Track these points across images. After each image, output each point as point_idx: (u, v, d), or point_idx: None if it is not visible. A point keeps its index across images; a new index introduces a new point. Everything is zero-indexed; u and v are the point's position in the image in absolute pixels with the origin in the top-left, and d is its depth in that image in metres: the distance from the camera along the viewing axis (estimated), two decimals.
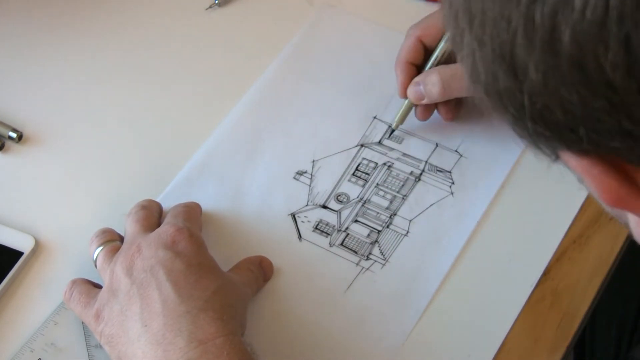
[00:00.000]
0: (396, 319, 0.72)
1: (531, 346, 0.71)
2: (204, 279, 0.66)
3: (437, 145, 0.82)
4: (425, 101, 0.79)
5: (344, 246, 0.76)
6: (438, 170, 0.80)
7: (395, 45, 0.86)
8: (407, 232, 0.77)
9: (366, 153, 0.82)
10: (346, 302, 0.73)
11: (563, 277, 0.74)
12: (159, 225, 0.72)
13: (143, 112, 0.85)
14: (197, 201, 0.77)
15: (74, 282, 0.71)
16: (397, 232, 0.77)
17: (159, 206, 0.76)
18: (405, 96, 0.80)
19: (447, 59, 0.79)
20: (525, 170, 0.80)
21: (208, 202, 0.78)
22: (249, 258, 0.74)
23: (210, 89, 0.87)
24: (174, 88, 0.87)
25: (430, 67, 0.79)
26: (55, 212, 0.79)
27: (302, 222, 0.78)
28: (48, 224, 0.78)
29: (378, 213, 0.78)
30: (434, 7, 0.89)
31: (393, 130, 0.82)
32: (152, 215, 0.73)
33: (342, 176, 0.80)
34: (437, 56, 0.79)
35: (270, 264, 0.74)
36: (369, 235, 0.77)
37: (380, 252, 0.76)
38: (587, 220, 0.77)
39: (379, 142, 0.82)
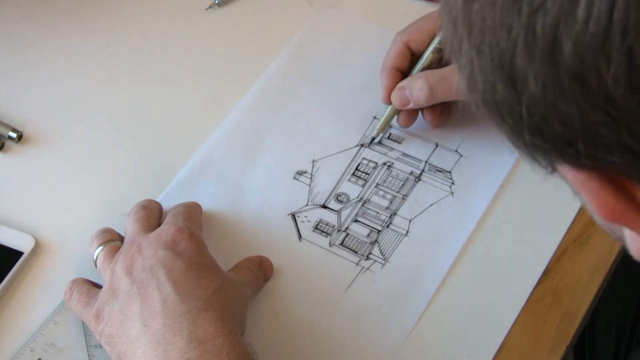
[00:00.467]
0: (396, 318, 0.72)
1: (531, 346, 0.71)
2: (204, 278, 0.66)
3: (437, 145, 0.82)
4: (410, 106, 0.79)
5: (344, 246, 0.76)
6: (438, 170, 0.80)
7: None
8: (407, 232, 0.77)
9: (366, 153, 0.82)
10: (346, 301, 0.73)
11: (563, 276, 0.74)
12: (159, 225, 0.72)
13: (143, 112, 0.85)
14: (197, 201, 0.77)
15: (74, 282, 0.71)
16: (397, 232, 0.77)
17: (159, 206, 0.76)
18: (389, 102, 0.80)
19: (435, 65, 0.79)
20: (525, 170, 0.80)
21: (208, 202, 0.78)
22: (249, 258, 0.74)
23: (210, 89, 0.87)
24: (174, 88, 0.87)
25: (417, 72, 0.79)
26: (55, 212, 0.79)
27: (302, 222, 0.78)
28: (48, 224, 0.78)
29: (378, 213, 0.78)
30: (434, 7, 0.89)
31: (373, 139, 0.82)
32: (152, 215, 0.73)
33: (342, 176, 0.80)
34: (424, 61, 0.79)
35: (270, 264, 0.74)
36: (368, 235, 0.77)
37: (380, 252, 0.76)
38: (587, 220, 0.77)
39: (379, 142, 0.82)
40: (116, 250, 0.70)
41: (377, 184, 0.80)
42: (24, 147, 0.83)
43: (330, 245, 0.76)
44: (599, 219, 0.42)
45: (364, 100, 0.85)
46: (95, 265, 0.71)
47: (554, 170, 0.41)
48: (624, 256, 0.77)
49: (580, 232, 0.76)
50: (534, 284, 0.74)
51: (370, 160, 0.81)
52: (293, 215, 0.78)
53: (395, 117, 0.81)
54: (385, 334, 0.72)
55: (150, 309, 0.64)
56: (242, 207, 0.79)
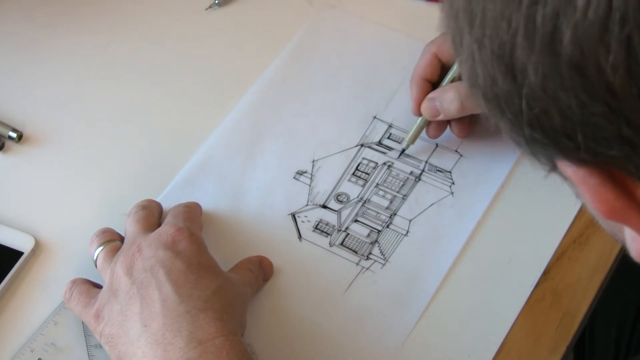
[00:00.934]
0: (396, 318, 0.72)
1: (531, 346, 0.71)
2: (204, 278, 0.66)
3: (437, 145, 0.82)
4: (440, 117, 0.78)
5: (344, 246, 0.76)
6: (438, 170, 0.80)
7: (395, 45, 0.86)
8: (407, 232, 0.77)
9: (366, 153, 0.82)
10: (346, 301, 0.73)
11: (563, 276, 0.74)
12: (159, 225, 0.72)
13: (143, 112, 0.85)
14: (197, 201, 0.77)
15: (74, 282, 0.71)
16: (397, 232, 0.77)
17: (159, 206, 0.76)
18: (418, 113, 0.79)
19: None
20: (526, 170, 0.80)
21: (208, 202, 0.78)
22: (249, 258, 0.74)
23: (210, 89, 0.87)
24: (174, 88, 0.87)
25: (447, 83, 0.78)
26: (55, 212, 0.78)
27: (302, 222, 0.78)
28: (48, 224, 0.78)
29: (378, 213, 0.78)
30: (434, 7, 0.89)
31: (403, 150, 0.81)
32: (152, 216, 0.73)
33: (342, 176, 0.80)
34: (454, 72, 0.78)
35: (270, 264, 0.74)
36: (369, 235, 0.77)
37: (380, 251, 0.76)
38: (587, 220, 0.77)
39: (379, 142, 0.82)
40: (116, 250, 0.70)
41: (377, 184, 0.80)
42: (24, 147, 0.83)
43: (331, 245, 0.76)
44: (599, 218, 0.42)
45: (364, 100, 0.85)
46: (95, 266, 0.71)
47: (554, 167, 0.41)
48: (624, 256, 0.77)
49: (580, 232, 0.76)
50: (534, 284, 0.74)
51: (370, 160, 0.81)
52: (293, 215, 0.78)
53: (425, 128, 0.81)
54: (385, 334, 0.72)
55: (150, 309, 0.64)
56: (242, 207, 0.79)
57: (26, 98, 0.86)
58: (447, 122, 0.80)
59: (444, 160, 0.81)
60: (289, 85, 0.86)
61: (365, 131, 0.83)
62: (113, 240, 0.72)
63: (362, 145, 0.82)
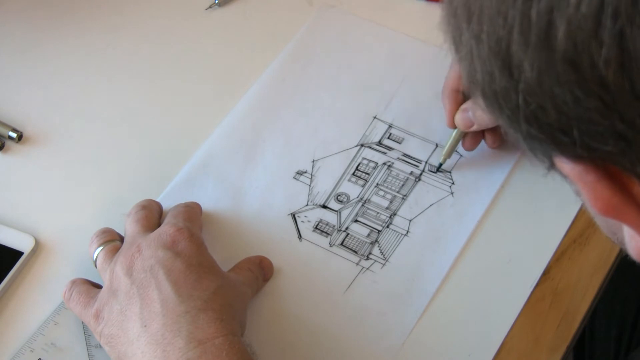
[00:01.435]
0: (396, 318, 0.72)
1: (531, 346, 0.71)
2: (204, 279, 0.66)
3: (437, 145, 0.82)
4: (474, 128, 0.77)
5: (344, 246, 0.76)
6: (438, 170, 0.80)
7: (395, 45, 0.86)
8: (407, 232, 0.77)
9: (366, 153, 0.82)
10: (346, 301, 0.73)
11: (563, 276, 0.74)
12: (159, 225, 0.72)
13: (143, 112, 0.85)
14: (197, 201, 0.76)
15: (74, 283, 0.71)
16: (397, 232, 0.77)
17: (159, 206, 0.76)
18: (453, 125, 0.78)
19: None
20: (525, 170, 0.80)
21: (208, 202, 0.78)
22: (249, 258, 0.74)
23: (210, 89, 0.87)
24: (174, 88, 0.87)
25: None
26: (55, 212, 0.79)
27: (302, 222, 0.78)
28: (48, 224, 0.78)
29: (378, 213, 0.78)
30: (434, 7, 0.89)
31: (441, 165, 0.80)
32: (152, 216, 0.73)
33: (342, 176, 0.80)
34: None
35: (270, 264, 0.74)
36: (369, 235, 0.77)
37: (380, 251, 0.76)
38: (587, 220, 0.77)
39: (379, 142, 0.82)
40: (116, 250, 0.70)
41: (377, 184, 0.80)
42: (24, 147, 0.83)
43: (331, 245, 0.76)
44: (597, 217, 0.42)
45: (364, 100, 0.85)
46: (95, 266, 0.71)
47: (552, 164, 0.42)
48: (624, 256, 0.77)
49: (580, 232, 0.76)
50: (534, 284, 0.74)
51: (370, 160, 0.81)
52: (293, 215, 0.78)
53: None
54: (385, 334, 0.72)
55: (149, 309, 0.64)
56: (242, 207, 0.79)
57: (26, 98, 0.86)
58: (482, 134, 0.80)
59: None
60: (289, 85, 0.86)
61: (365, 131, 0.83)
62: (113, 240, 0.72)
63: (362, 145, 0.82)
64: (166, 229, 0.69)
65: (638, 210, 0.40)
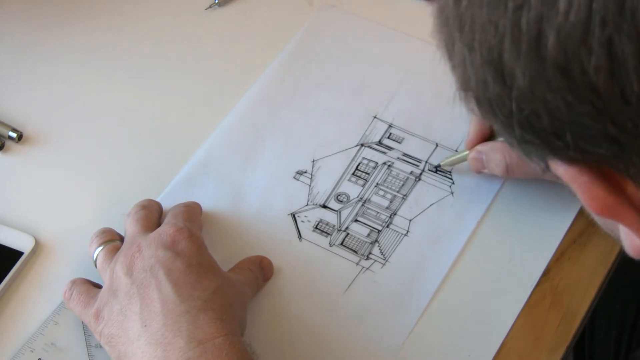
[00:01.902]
0: (396, 318, 0.72)
1: (531, 346, 0.71)
2: (204, 279, 0.66)
3: (437, 145, 0.82)
4: (484, 172, 0.77)
5: (344, 246, 0.76)
6: (438, 170, 0.80)
7: (395, 45, 0.86)
8: (407, 231, 0.77)
9: (366, 152, 0.82)
10: (346, 301, 0.73)
11: (563, 277, 0.74)
12: (159, 225, 0.72)
13: (143, 112, 0.85)
14: (197, 201, 0.76)
15: (74, 282, 0.71)
16: (397, 231, 0.77)
17: (159, 206, 0.76)
18: (469, 148, 0.77)
19: None
20: None
21: (208, 202, 0.78)
22: (249, 258, 0.74)
23: (210, 89, 0.87)
24: (174, 88, 0.87)
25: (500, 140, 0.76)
26: (55, 212, 0.79)
27: (302, 221, 0.78)
28: (48, 224, 0.78)
29: (378, 213, 0.78)
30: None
31: (439, 165, 0.80)
32: (152, 215, 0.73)
33: (342, 176, 0.80)
34: None
35: (270, 264, 0.74)
36: (369, 234, 0.77)
37: (380, 251, 0.76)
38: (587, 220, 0.77)
39: (379, 142, 0.82)
40: (116, 250, 0.70)
41: (377, 183, 0.80)
42: (24, 147, 0.83)
43: (331, 245, 0.76)
44: (595, 215, 0.43)
45: (364, 100, 0.85)
46: (95, 266, 0.71)
47: (546, 166, 0.42)
48: (624, 256, 0.77)
49: (580, 232, 0.76)
50: (534, 284, 0.73)
51: (370, 160, 0.81)
52: (293, 215, 0.78)
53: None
54: (385, 334, 0.72)
55: (150, 309, 0.64)
56: (242, 207, 0.79)
57: (26, 98, 0.86)
58: None
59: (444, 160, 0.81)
60: (289, 85, 0.86)
61: (365, 131, 0.83)
62: (113, 240, 0.72)
63: (362, 145, 0.82)
64: (166, 228, 0.69)
65: (633, 210, 0.40)
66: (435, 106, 0.83)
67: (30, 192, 0.80)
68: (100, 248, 0.71)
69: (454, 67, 0.42)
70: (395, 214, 0.78)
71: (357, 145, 0.82)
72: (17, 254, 0.75)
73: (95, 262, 0.71)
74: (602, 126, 0.36)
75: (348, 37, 0.90)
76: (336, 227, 0.77)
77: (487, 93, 0.40)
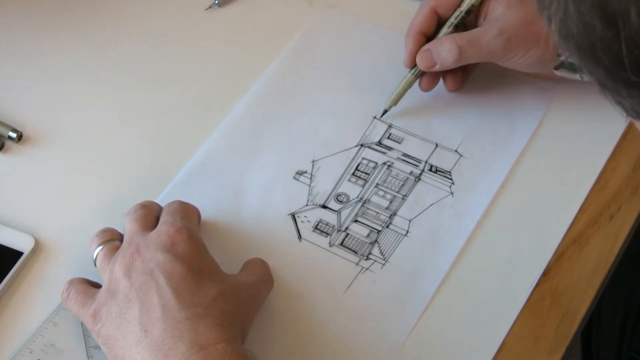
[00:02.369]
0: (396, 318, 0.72)
1: (531, 346, 0.71)
2: (205, 285, 0.65)
3: (437, 145, 0.82)
4: (436, 68, 0.79)
5: (344, 246, 0.76)
6: (438, 170, 0.80)
7: (395, 45, 0.86)
8: (407, 232, 0.77)
9: (366, 153, 0.82)
10: (346, 302, 0.73)
11: (563, 277, 0.74)
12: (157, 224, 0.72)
13: (143, 112, 0.85)
14: (197, 201, 0.76)
15: (71, 282, 0.70)
16: (396, 232, 0.77)
17: (158, 206, 0.76)
18: (411, 65, 0.81)
19: (459, 30, 0.80)
20: (525, 170, 0.80)
21: (208, 202, 0.78)
22: (251, 259, 0.74)
23: (210, 89, 0.87)
24: (174, 88, 0.87)
25: (443, 34, 0.80)
26: (55, 212, 0.79)
27: (302, 222, 0.78)
28: (48, 224, 0.78)
29: (378, 213, 0.78)
30: None
31: (385, 111, 0.81)
32: (150, 214, 0.73)
33: (342, 176, 0.80)
34: (450, 24, 0.80)
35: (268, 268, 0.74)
36: (368, 235, 0.77)
37: (380, 252, 0.76)
38: (587, 220, 0.77)
39: (379, 142, 0.82)
40: (115, 249, 0.70)
41: (377, 184, 0.80)
42: (24, 147, 0.83)
43: (330, 245, 0.76)
44: None
45: (364, 100, 0.85)
46: (95, 265, 0.71)
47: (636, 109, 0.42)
48: (632, 241, 0.77)
49: (580, 232, 0.76)
50: (534, 284, 0.73)
51: (370, 160, 0.81)
52: (293, 215, 0.78)
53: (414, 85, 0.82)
54: (385, 334, 0.72)
55: (149, 314, 0.63)
56: (242, 207, 0.79)
57: (26, 98, 0.86)
58: (439, 75, 0.82)
59: (443, 160, 0.81)
60: (289, 85, 0.86)
61: (365, 131, 0.83)
62: (113, 240, 0.72)
63: (362, 145, 0.82)
64: (165, 228, 0.68)
65: None
66: (435, 106, 0.83)
67: (30, 192, 0.80)
68: (100, 247, 0.71)
69: (550, 15, 0.41)
70: (395, 214, 0.78)
71: (357, 146, 0.82)
72: (16, 254, 0.74)
73: (94, 261, 0.71)
74: None
75: (348, 37, 0.90)
76: (336, 227, 0.77)
77: (592, 38, 0.39)
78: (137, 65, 0.89)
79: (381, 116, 0.82)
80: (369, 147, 0.82)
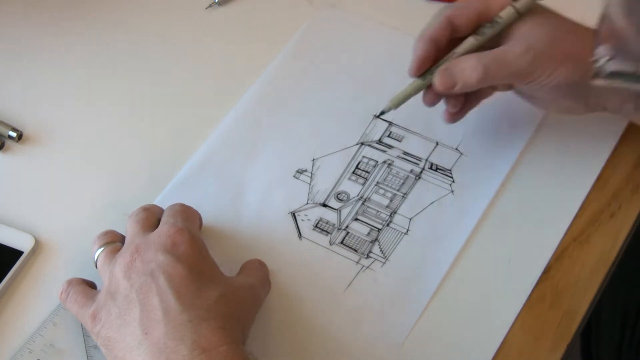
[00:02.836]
0: (396, 317, 0.72)
1: (531, 345, 0.71)
2: (206, 287, 0.65)
3: (437, 143, 0.82)
4: (457, 89, 0.73)
5: (344, 244, 0.76)
6: (438, 169, 0.80)
7: (395, 45, 0.86)
8: (407, 230, 0.77)
9: (366, 151, 0.81)
10: (346, 300, 0.73)
11: (563, 275, 0.74)
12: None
13: (143, 111, 0.85)
14: (197, 200, 0.76)
15: (70, 283, 0.70)
16: (397, 230, 0.77)
17: (160, 209, 0.75)
18: (417, 72, 0.75)
19: (475, 50, 0.74)
20: (526, 169, 0.80)
21: (208, 201, 0.78)
22: (250, 260, 0.73)
23: (210, 89, 0.87)
24: (174, 88, 0.87)
25: (463, 53, 0.74)
26: (55, 212, 0.79)
27: (302, 220, 0.78)
28: (48, 224, 0.78)
29: (378, 211, 0.78)
30: (434, 7, 0.89)
31: (383, 112, 0.77)
32: (152, 217, 0.73)
33: (342, 174, 0.80)
34: (483, 35, 0.73)
35: (267, 269, 0.74)
36: (369, 233, 0.77)
37: (381, 250, 0.76)
38: (588, 219, 0.77)
39: (379, 141, 0.82)
40: (116, 251, 0.70)
41: (378, 182, 0.80)
42: (24, 147, 0.83)
43: (331, 243, 0.76)
44: None
45: (364, 99, 0.85)
46: (96, 266, 0.71)
47: None
48: (632, 239, 0.76)
49: (580, 231, 0.76)
50: (534, 283, 0.73)
51: (370, 159, 0.81)
52: (293, 214, 0.78)
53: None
54: (385, 333, 0.72)
55: (150, 316, 0.63)
56: (242, 207, 0.79)
57: (26, 98, 0.86)
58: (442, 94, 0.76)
59: (444, 158, 0.81)
60: (289, 85, 0.86)
61: (365, 129, 0.83)
62: (114, 242, 0.71)
63: (362, 144, 0.82)
64: (166, 229, 0.68)
65: None
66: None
67: (30, 192, 0.80)
68: (101, 249, 0.71)
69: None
70: (395, 213, 0.78)
71: (357, 144, 0.82)
72: (16, 254, 0.75)
73: (96, 263, 0.71)
74: None
75: (348, 36, 0.90)
76: (336, 225, 0.77)
77: None
78: (137, 64, 0.89)
79: (378, 115, 0.81)
80: (369, 146, 0.82)
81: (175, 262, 0.66)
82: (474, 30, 0.74)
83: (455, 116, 0.78)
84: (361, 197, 0.79)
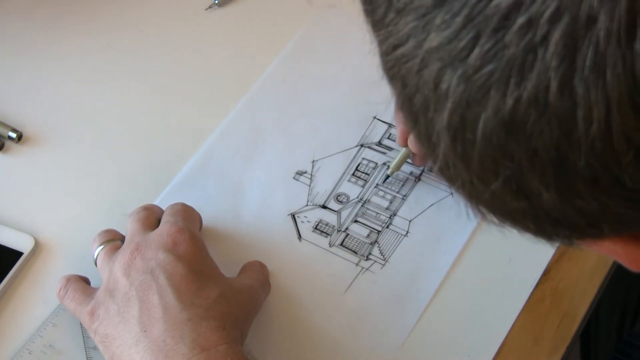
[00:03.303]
0: (396, 319, 0.72)
1: (531, 346, 0.71)
2: (206, 286, 0.65)
3: None
4: None
5: (344, 246, 0.76)
6: (385, 181, 0.80)
7: None
8: (407, 232, 0.77)
9: (366, 153, 0.81)
10: (346, 302, 0.73)
11: (563, 277, 0.74)
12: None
13: (143, 112, 0.85)
14: (197, 201, 0.76)
15: (68, 280, 0.70)
16: (396, 232, 0.77)
17: (160, 209, 0.75)
18: (402, 144, 0.78)
19: None
20: None
21: (208, 202, 0.78)
22: (250, 262, 0.73)
23: (210, 89, 0.87)
24: (174, 88, 0.87)
25: None
26: (55, 212, 0.78)
27: (302, 222, 0.78)
28: (48, 224, 0.77)
29: (378, 213, 0.78)
30: None
31: (388, 177, 0.80)
32: (153, 216, 0.73)
33: (341, 176, 0.80)
34: None
35: (267, 271, 0.74)
36: (368, 235, 0.77)
37: (380, 252, 0.76)
38: None
39: (379, 142, 0.82)
40: (117, 249, 0.70)
41: (377, 184, 0.80)
42: (24, 147, 0.83)
43: (330, 245, 0.76)
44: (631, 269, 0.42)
45: (364, 100, 0.85)
46: (96, 265, 0.71)
47: (572, 244, 0.41)
48: None
49: None
50: (534, 284, 0.73)
51: (370, 161, 0.81)
52: (293, 216, 0.78)
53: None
54: (385, 334, 0.72)
55: (150, 314, 0.63)
56: (242, 207, 0.79)
57: (26, 98, 0.86)
58: None
59: None
60: (289, 85, 0.86)
61: (365, 131, 0.83)
62: (114, 240, 0.71)
63: (362, 146, 0.82)
64: (166, 228, 0.68)
65: None
66: None
67: (30, 192, 0.80)
68: (101, 247, 0.71)
69: (458, 188, 0.40)
70: (395, 215, 0.78)
71: (357, 146, 0.82)
72: (16, 254, 0.74)
73: (95, 261, 0.71)
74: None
75: (348, 37, 0.90)
76: (336, 227, 0.77)
77: (507, 208, 0.38)
78: (137, 65, 0.88)
79: (384, 181, 0.80)
80: (369, 147, 0.82)
81: (176, 261, 0.66)
82: None
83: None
84: (361, 199, 0.79)
